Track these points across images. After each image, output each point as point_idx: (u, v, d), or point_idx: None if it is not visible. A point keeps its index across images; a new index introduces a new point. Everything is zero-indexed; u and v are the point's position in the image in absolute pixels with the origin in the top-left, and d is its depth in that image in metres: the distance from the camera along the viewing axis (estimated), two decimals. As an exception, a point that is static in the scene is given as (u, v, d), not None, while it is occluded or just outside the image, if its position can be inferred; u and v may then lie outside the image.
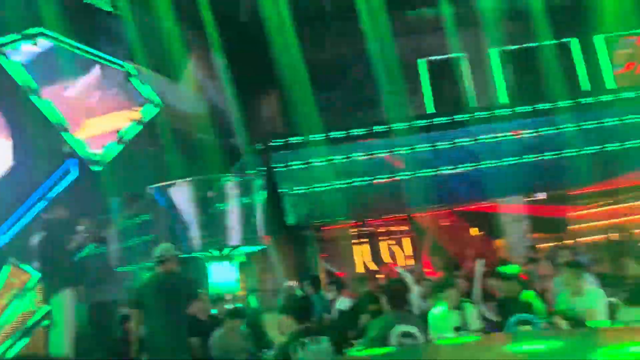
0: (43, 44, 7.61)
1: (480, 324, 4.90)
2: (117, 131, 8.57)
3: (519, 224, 11.25)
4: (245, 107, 11.95)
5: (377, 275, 11.94)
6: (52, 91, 7.57)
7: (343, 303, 7.04)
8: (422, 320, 4.64)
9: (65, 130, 7.45)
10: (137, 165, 9.04)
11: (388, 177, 11.34)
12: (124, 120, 8.83)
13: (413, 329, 3.97)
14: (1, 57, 6.86)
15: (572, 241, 13.36)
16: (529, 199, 11.49)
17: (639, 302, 4.25)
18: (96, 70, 8.51)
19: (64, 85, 7.96)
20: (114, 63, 8.84)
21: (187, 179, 8.54)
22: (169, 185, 8.48)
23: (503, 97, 12.22)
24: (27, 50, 7.37)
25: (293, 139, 11.44)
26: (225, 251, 8.60)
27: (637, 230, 12.60)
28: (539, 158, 11.00)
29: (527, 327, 4.42)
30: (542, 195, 11.52)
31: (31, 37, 7.42)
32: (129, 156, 8.73)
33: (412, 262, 14.37)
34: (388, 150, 11.10)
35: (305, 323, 3.94)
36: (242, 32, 12.03)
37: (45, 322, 5.10)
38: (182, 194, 8.50)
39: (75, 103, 8.00)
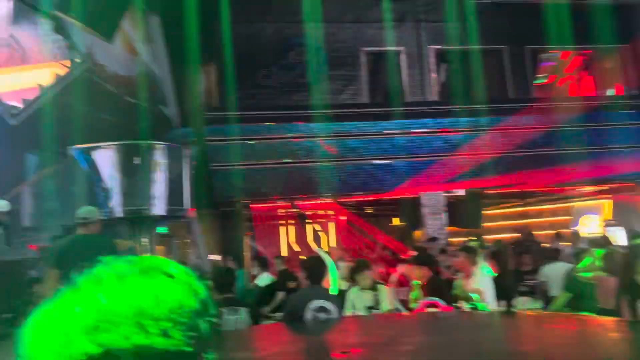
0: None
1: (393, 306, 5.20)
2: (40, 85, 8.07)
3: (437, 217, 11.86)
4: (182, 77, 11.65)
5: (299, 256, 12.19)
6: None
7: (264, 280, 7.17)
8: (339, 298, 4.84)
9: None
10: (62, 123, 8.58)
11: (319, 161, 11.52)
12: (49, 74, 8.32)
13: (328, 304, 4.14)
14: None
15: (483, 236, 14.31)
16: (449, 194, 12.12)
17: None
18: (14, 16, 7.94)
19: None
20: (42, 12, 8.29)
21: (113, 142, 8.23)
22: (93, 148, 8.13)
23: (434, 93, 12.76)
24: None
25: (229, 114, 11.30)
26: (147, 220, 8.41)
27: (538, 232, 13.70)
28: (459, 156, 11.64)
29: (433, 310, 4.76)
30: (461, 192, 12.18)
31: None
32: (49, 111, 8.26)
33: (334, 246, 14.77)
34: (322, 135, 11.26)
35: (226, 294, 4.02)
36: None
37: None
38: (106, 158, 8.19)
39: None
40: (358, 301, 5.09)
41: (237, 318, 4.06)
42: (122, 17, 7.90)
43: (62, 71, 8.53)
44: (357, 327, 4.10)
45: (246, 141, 11.55)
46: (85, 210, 4.89)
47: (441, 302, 4.93)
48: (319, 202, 13.87)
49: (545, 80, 15.63)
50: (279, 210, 14.50)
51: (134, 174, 8.27)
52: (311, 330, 3.83)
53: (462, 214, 12.89)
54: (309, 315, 4.11)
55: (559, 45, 13.82)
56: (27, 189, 7.92)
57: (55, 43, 8.52)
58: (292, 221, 15.87)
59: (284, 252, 14.77)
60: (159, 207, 8.23)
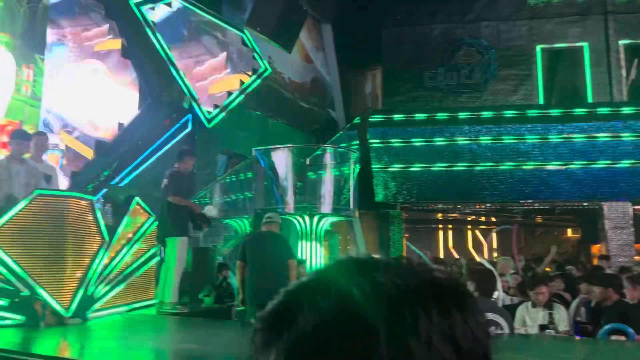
0: (175, 5, 8.22)
1: (568, 326, 4.79)
2: (229, 92, 9.09)
3: (623, 231, 10.52)
4: (348, 80, 12.14)
5: (457, 263, 11.82)
6: (177, 50, 8.18)
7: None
8: (508, 312, 4.62)
9: (187, 87, 8.05)
10: (245, 126, 9.57)
11: (485, 165, 11.03)
12: (236, 82, 9.33)
13: (500, 319, 3.99)
14: (139, 16, 7.51)
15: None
16: (638, 207, 10.67)
17: None
18: (216, 34, 9.02)
19: (186, 45, 8.55)
20: (234, 28, 9.32)
21: (288, 145, 8.92)
22: (271, 150, 8.91)
23: (624, 94, 11.33)
24: (161, 10, 8.00)
25: (393, 116, 11.44)
26: (315, 218, 8.94)
27: None
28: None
29: (621, 338, 4.27)
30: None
31: (165, -2, 8.04)
32: (237, 117, 9.25)
33: (496, 254, 14.01)
34: (492, 138, 10.76)
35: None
36: (352, 6, 12.12)
37: (155, 260, 5.63)
38: (282, 159, 8.92)
39: (195, 64, 8.58)
40: (529, 318, 4.80)
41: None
42: (301, 29, 8.52)
43: (247, 79, 9.50)
44: (534, 346, 3.88)
45: (409, 143, 11.57)
46: (271, 213, 5.63)
47: (629, 330, 4.41)
48: (482, 207, 13.29)
49: None
50: (439, 215, 14.25)
51: (306, 174, 8.88)
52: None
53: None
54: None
55: None
56: (218, 185, 8.99)
57: (244, 54, 9.52)
58: (452, 226, 15.46)
59: (441, 256, 14.47)
60: (327, 206, 8.72)
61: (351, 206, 9.27)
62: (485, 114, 11.11)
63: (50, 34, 7.13)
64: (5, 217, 4.12)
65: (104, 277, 4.82)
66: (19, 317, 4.09)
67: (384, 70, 12.39)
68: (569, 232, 15.21)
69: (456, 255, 13.98)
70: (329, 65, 11.99)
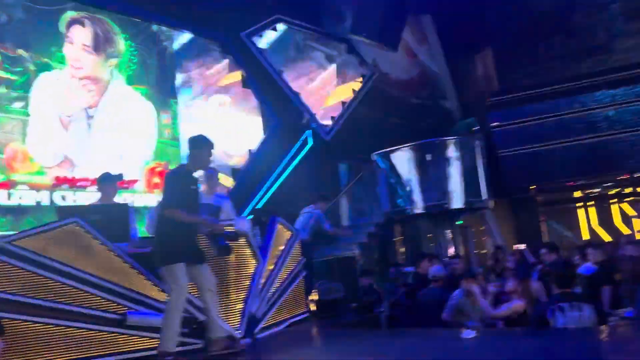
0: (280, 28, 8.56)
1: None
2: (342, 102, 9.23)
3: None
4: (458, 68, 11.70)
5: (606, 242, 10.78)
6: (289, 71, 8.50)
7: (587, 269, 6.55)
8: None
9: (302, 105, 8.33)
10: (360, 132, 9.64)
11: (622, 133, 10.01)
12: (347, 92, 9.45)
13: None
14: (250, 45, 7.94)
15: None
16: None
17: None
18: (322, 48, 9.23)
19: (296, 64, 8.85)
20: (337, 38, 9.47)
21: (406, 144, 8.80)
22: (391, 151, 8.86)
23: None
24: (268, 37, 8.38)
25: (511, 96, 10.83)
26: (446, 214, 8.71)
27: None
28: None
29: None
30: None
31: (271, 24, 8.40)
32: (352, 124, 9.34)
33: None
34: (630, 99, 9.74)
35: (565, 289, 3.85)
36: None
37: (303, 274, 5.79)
38: (403, 159, 8.82)
39: (309, 81, 8.84)
40: None
41: (581, 315, 3.84)
42: (404, 26, 8.41)
43: (357, 86, 9.58)
44: None
45: (533, 122, 10.86)
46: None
47: None
48: (627, 178, 12.03)
49: None
50: (577, 193, 13.15)
51: (430, 170, 8.69)
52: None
53: None
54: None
55: None
56: (342, 194, 9.15)
57: (350, 61, 9.63)
58: (592, 202, 14.17)
59: (586, 237, 13.32)
60: (457, 200, 8.44)
61: (483, 197, 8.89)
62: (615, 76, 10.11)
63: (179, 78, 7.81)
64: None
65: (264, 296, 5.09)
66: (199, 342, 4.41)
67: (493, 49, 11.78)
68: None
69: (602, 235, 12.79)
70: (435, 56, 11.66)
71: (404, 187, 8.84)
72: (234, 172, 7.93)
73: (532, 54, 11.36)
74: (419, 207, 8.63)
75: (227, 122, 8.05)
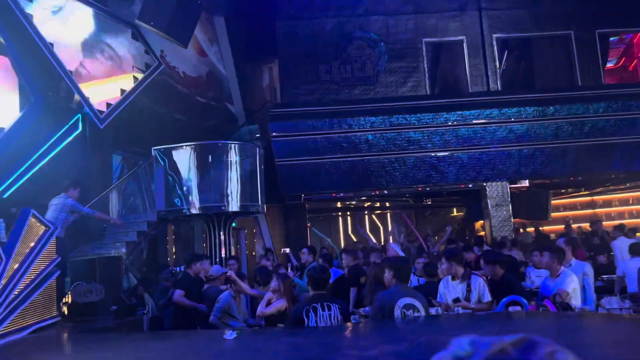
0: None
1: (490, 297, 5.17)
2: (122, 90, 8.59)
3: (502, 208, 11.72)
4: (245, 74, 12.00)
5: (359, 247, 12.33)
6: (64, 47, 7.54)
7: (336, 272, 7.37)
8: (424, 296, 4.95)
9: (74, 86, 7.47)
10: (141, 125, 9.10)
11: (380, 154, 11.60)
12: (128, 80, 8.84)
13: (416, 302, 4.31)
14: (20, 12, 6.78)
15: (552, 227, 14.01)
16: (513, 185, 11.94)
17: None
18: (105, 30, 8.46)
19: (73, 43, 7.92)
20: (123, 22, 8.79)
21: (189, 143, 8.67)
22: (172, 148, 8.60)
23: (497, 84, 12.54)
24: (45, 5, 7.30)
25: (291, 110, 11.57)
26: (223, 216, 8.82)
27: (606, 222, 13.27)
28: (525, 147, 11.42)
29: (517, 308, 4.81)
30: (525, 183, 11.97)
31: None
32: (132, 115, 8.78)
33: (392, 237, 14.89)
34: (386, 127, 11.34)
35: (320, 291, 4.27)
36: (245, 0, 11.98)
37: (56, 275, 5.28)
38: (184, 157, 8.65)
39: (83, 61, 7.98)
40: (448, 293, 5.25)
41: (330, 314, 4.30)
42: (197, 23, 8.27)
43: (140, 76, 9.03)
44: (447, 326, 4.24)
45: (307, 136, 11.78)
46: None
47: (523, 301, 4.98)
48: (378, 194, 13.99)
49: (614, 65, 14.99)
50: (338, 203, 14.75)
51: (210, 172, 8.69)
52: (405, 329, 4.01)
53: (528, 204, 12.68)
54: (397, 312, 4.29)
55: (630, 28, 13.23)
56: (114, 187, 8.49)
57: (134, 49, 9.02)
58: (350, 213, 16.09)
59: (344, 243, 15.06)
60: (235, 204, 8.62)
61: (259, 201, 9.27)
62: (379, 105, 11.69)
63: None
64: None
65: (6, 299, 4.41)
66: None
67: (280, 63, 12.45)
68: (455, 211, 16.59)
69: (355, 240, 14.62)
70: (224, 58, 11.76)
71: (182, 186, 8.67)
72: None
73: (313, 74, 12.35)
74: (195, 208, 8.56)
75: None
